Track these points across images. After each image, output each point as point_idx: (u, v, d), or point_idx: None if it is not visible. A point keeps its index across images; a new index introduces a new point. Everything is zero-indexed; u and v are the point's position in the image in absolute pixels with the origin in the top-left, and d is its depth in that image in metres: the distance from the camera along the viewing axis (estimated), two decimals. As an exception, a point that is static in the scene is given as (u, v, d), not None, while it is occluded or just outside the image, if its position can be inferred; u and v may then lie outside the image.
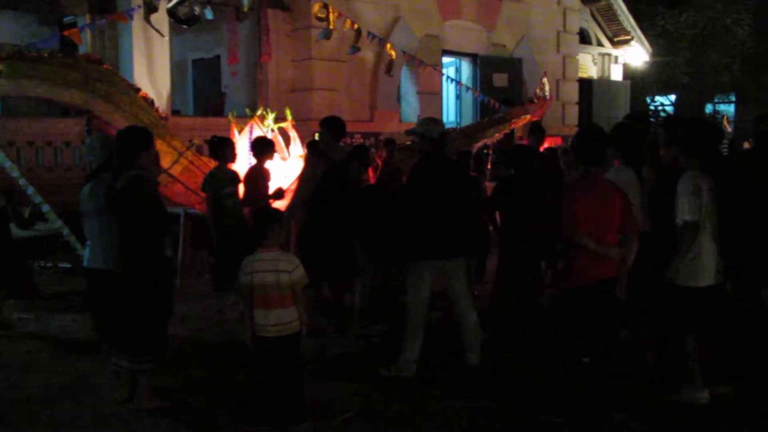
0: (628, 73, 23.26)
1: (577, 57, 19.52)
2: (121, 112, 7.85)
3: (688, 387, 5.20)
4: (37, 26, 15.22)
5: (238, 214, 7.44)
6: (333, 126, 7.09)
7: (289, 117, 9.73)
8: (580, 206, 4.83)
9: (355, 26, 11.90)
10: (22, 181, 7.56)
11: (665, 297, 5.14)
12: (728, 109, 31.33)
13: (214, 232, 7.38)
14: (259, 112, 9.53)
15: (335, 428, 4.91)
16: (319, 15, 11.67)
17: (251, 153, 7.96)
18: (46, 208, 7.66)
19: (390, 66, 12.78)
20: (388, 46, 12.66)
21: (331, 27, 11.66)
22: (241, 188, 7.62)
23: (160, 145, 8.00)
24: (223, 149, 7.52)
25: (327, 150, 7.08)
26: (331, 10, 11.59)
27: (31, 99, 8.17)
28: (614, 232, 4.86)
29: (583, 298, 4.86)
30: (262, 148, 7.81)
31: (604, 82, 21.80)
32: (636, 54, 22.72)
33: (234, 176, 7.60)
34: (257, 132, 9.07)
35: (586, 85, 20.31)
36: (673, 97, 29.06)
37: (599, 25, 22.12)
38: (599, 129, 5.30)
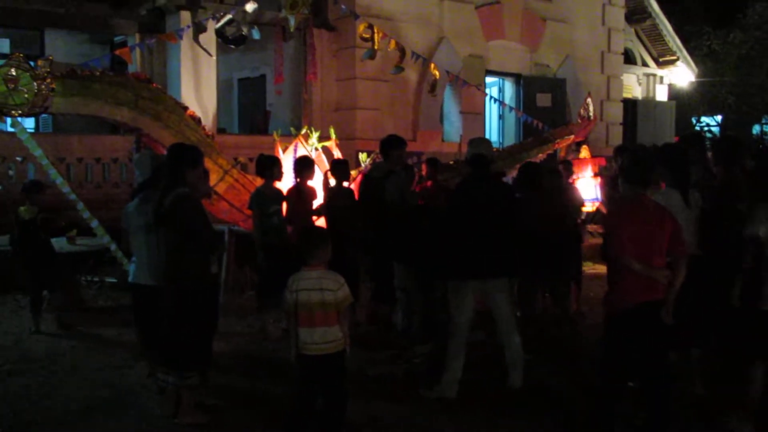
0: (674, 94, 23.02)
1: (622, 77, 19.36)
2: (169, 130, 7.95)
3: (734, 415, 5.11)
4: (89, 45, 15.57)
5: (283, 232, 7.55)
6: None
7: (333, 136, 9.78)
8: (625, 227, 4.78)
9: (399, 46, 11.96)
10: (72, 197, 7.70)
11: (744, 321, 5.06)
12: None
13: (261, 250, 7.44)
14: (303, 131, 9.61)
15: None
16: (364, 35, 11.74)
17: (294, 172, 8.02)
18: (94, 223, 7.78)
19: (433, 86, 12.79)
20: (432, 66, 12.68)
21: (375, 47, 11.73)
22: (284, 206, 7.70)
23: (206, 163, 8.10)
24: (270, 168, 7.59)
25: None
26: (376, 31, 11.67)
27: (82, 116, 8.31)
28: (662, 255, 4.80)
29: (628, 320, 4.80)
30: (304, 167, 7.89)
31: (649, 102, 21.59)
32: (682, 74, 22.48)
33: (279, 194, 7.68)
34: (302, 151, 9.14)
35: (630, 105, 20.13)
36: (719, 118, 28.67)
37: (644, 45, 21.95)
38: (649, 150, 5.27)
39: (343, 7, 12.87)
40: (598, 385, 4.99)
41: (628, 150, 7.14)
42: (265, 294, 7.48)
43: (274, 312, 7.54)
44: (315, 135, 9.52)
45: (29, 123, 13.56)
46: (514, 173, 11.47)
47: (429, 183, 8.79)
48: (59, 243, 8.62)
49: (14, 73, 6.88)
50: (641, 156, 5.14)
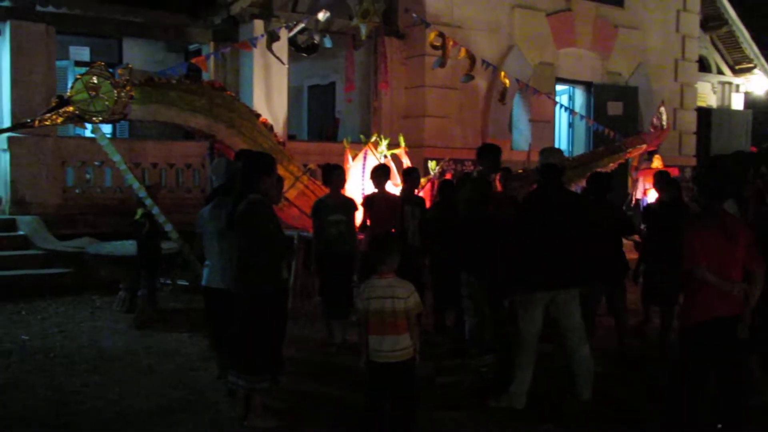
0: (750, 103, 22.41)
1: (696, 85, 18.94)
2: (242, 137, 8.09)
3: None
4: (164, 54, 15.94)
5: (343, 243, 7.43)
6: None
7: (402, 143, 9.82)
8: (700, 239, 4.70)
9: (469, 54, 11.94)
10: (147, 202, 7.90)
11: None
12: None
13: (315, 259, 7.62)
14: (372, 139, 9.67)
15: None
16: (434, 43, 11.77)
17: (372, 180, 8.06)
18: (168, 227, 7.97)
19: (503, 94, 12.74)
20: (502, 74, 12.64)
21: (446, 55, 11.74)
22: (358, 215, 7.73)
23: (278, 170, 8.22)
24: (330, 175, 7.58)
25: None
26: (446, 39, 11.68)
27: (158, 123, 8.53)
28: (738, 268, 4.70)
29: (704, 334, 4.71)
30: (379, 175, 7.94)
31: (724, 111, 21.07)
32: (759, 82, 21.89)
33: (345, 203, 7.60)
34: (371, 158, 9.19)
35: (704, 114, 19.66)
36: (798, 128, 27.82)
37: (720, 53, 21.46)
38: (725, 162, 5.17)
39: (414, 15, 12.94)
40: (673, 398, 4.90)
41: (707, 161, 7.05)
42: (326, 303, 7.56)
43: (340, 320, 7.56)
44: (384, 142, 9.56)
45: (106, 129, 13.92)
46: (582, 183, 11.35)
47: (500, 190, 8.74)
48: (130, 246, 8.88)
49: (96, 81, 7.09)
50: (718, 166, 5.03)
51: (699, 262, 4.66)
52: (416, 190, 8.51)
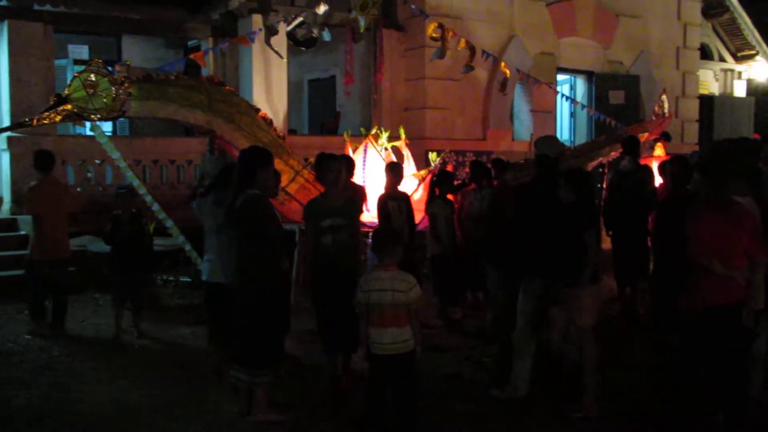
0: (753, 90, 22.31)
1: (698, 73, 18.85)
2: (241, 132, 8.06)
3: None
4: (164, 50, 15.91)
5: (338, 254, 5.80)
6: None
7: (403, 136, 9.78)
8: (702, 226, 4.66)
9: (469, 45, 11.89)
10: (148, 198, 7.90)
11: None
12: None
13: (311, 272, 6.06)
14: (373, 131, 9.63)
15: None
16: (433, 35, 11.72)
17: (387, 176, 7.99)
18: (169, 223, 7.96)
19: (504, 84, 12.69)
20: (502, 64, 12.59)
21: (445, 46, 11.69)
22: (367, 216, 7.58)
23: (277, 164, 8.18)
24: (320, 170, 6.07)
25: None
26: (445, 30, 11.63)
27: (158, 119, 8.51)
28: (741, 255, 4.65)
29: (706, 322, 4.67)
30: (392, 173, 7.89)
31: (727, 98, 20.97)
32: (761, 69, 21.77)
33: (345, 203, 6.00)
34: (371, 151, 9.16)
35: (707, 102, 19.57)
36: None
37: (721, 40, 21.34)
38: (728, 147, 5.12)
39: (413, 6, 12.88)
40: (675, 386, 4.88)
41: (710, 144, 7.01)
42: (324, 337, 6.05)
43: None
44: (385, 135, 9.53)
45: (107, 126, 13.93)
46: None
47: (495, 183, 8.73)
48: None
49: (93, 79, 7.06)
50: (722, 151, 4.97)
51: (702, 249, 4.63)
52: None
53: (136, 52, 15.21)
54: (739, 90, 21.85)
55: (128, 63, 7.60)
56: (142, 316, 7.92)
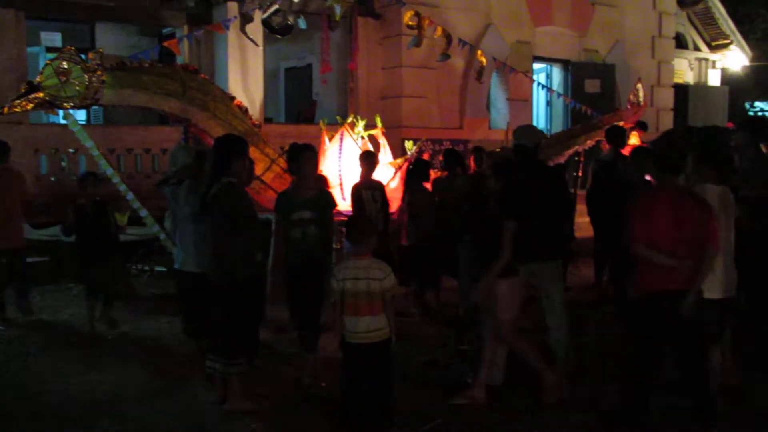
0: (727, 79, 22.50)
1: (673, 62, 18.99)
2: (216, 120, 8.00)
3: None
4: (138, 38, 15.75)
5: (309, 248, 5.62)
6: None
7: (379, 124, 9.76)
8: (643, 214, 4.68)
9: (446, 33, 11.88)
10: (122, 188, 7.81)
11: None
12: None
13: (280, 271, 5.92)
14: (349, 120, 9.60)
15: (423, 435, 4.92)
16: (410, 23, 11.71)
17: (360, 166, 7.96)
18: (144, 213, 7.88)
19: (480, 73, 12.71)
20: (479, 52, 12.60)
21: (421, 35, 11.67)
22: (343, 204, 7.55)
23: (253, 152, 8.14)
24: (293, 161, 5.89)
25: None
26: (422, 18, 11.61)
27: (132, 107, 8.43)
28: (689, 245, 4.65)
29: (652, 305, 4.69)
30: (365, 161, 7.88)
31: (701, 87, 21.15)
32: (735, 58, 21.98)
33: (317, 197, 5.80)
34: (348, 139, 9.13)
35: (681, 90, 19.74)
36: (774, 103, 27.99)
37: (696, 30, 21.50)
38: (679, 136, 5.13)
39: (389, -6, 12.85)
40: (630, 373, 4.92)
41: (664, 133, 7.01)
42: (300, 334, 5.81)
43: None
44: (361, 123, 9.50)
45: (81, 115, 13.79)
46: (561, 160, 11.38)
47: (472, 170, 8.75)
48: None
49: (66, 66, 6.97)
50: (674, 140, 4.98)
51: (638, 238, 4.66)
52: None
53: (109, 39, 15.03)
54: (714, 79, 22.04)
55: (101, 50, 7.49)
56: (112, 308, 7.77)
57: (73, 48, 7.15)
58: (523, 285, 5.60)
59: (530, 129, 6.31)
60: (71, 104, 7.08)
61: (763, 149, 6.21)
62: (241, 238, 5.19)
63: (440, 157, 10.44)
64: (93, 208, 7.60)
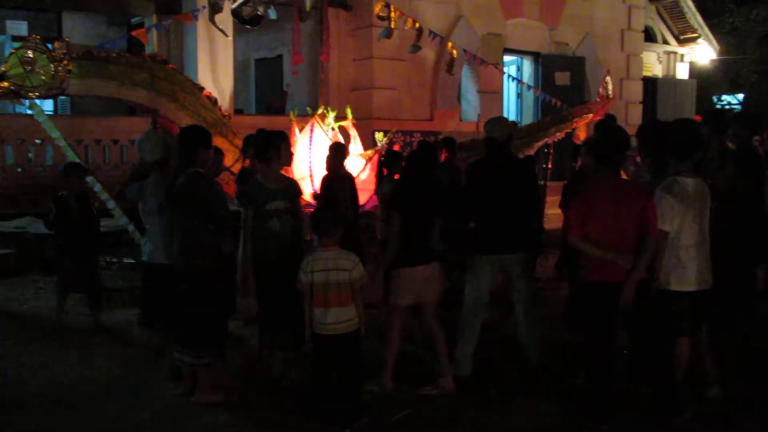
0: (695, 72, 22.74)
1: (642, 55, 19.15)
2: (185, 111, 7.98)
3: None
4: (106, 27, 15.60)
5: (288, 238, 5.54)
6: None
7: (350, 116, 9.76)
8: (582, 207, 4.74)
9: (417, 25, 11.88)
10: (89, 179, 7.75)
11: None
12: (799, 108, 30.41)
13: (250, 267, 5.60)
14: (320, 111, 9.59)
15: (392, 426, 4.93)
16: (380, 14, 11.69)
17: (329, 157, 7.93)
18: (112, 204, 7.84)
19: (451, 65, 12.73)
20: (450, 44, 12.61)
21: (392, 26, 11.67)
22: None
23: (222, 144, 8.11)
24: (272, 146, 5.64)
25: None
26: (392, 9, 11.60)
27: (99, 98, 8.34)
28: (628, 237, 4.68)
29: (600, 293, 4.75)
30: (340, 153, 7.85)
31: (670, 80, 21.36)
32: (703, 52, 22.20)
33: (288, 187, 5.71)
34: (318, 131, 9.12)
35: (650, 83, 19.93)
36: (741, 96, 28.34)
37: (665, 23, 21.68)
38: (620, 131, 5.20)
39: (359, -15, 12.82)
40: (588, 356, 4.97)
41: (605, 126, 7.03)
42: (266, 326, 5.74)
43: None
44: (332, 115, 9.50)
45: (48, 105, 13.63)
46: (531, 152, 11.44)
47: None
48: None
49: (31, 55, 6.91)
50: (614, 133, 5.01)
51: (575, 231, 4.71)
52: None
53: (77, 28, 14.89)
54: (682, 72, 22.25)
55: (68, 39, 7.43)
56: (101, 305, 7.47)
57: (39, 37, 7.09)
58: (436, 276, 5.53)
59: (501, 121, 6.32)
60: (37, 94, 7.04)
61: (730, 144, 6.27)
62: (208, 230, 5.13)
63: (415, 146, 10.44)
64: (76, 200, 7.24)
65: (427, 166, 5.62)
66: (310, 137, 9.09)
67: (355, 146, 9.73)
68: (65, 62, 7.04)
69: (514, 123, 6.93)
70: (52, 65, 6.97)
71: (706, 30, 21.73)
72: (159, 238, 5.68)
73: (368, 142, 10.45)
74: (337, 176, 7.71)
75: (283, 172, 5.86)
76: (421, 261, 5.36)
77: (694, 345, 5.20)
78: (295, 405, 5.19)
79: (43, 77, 6.94)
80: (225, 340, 5.56)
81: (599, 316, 4.78)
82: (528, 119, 16.37)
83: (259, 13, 11.44)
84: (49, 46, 7.20)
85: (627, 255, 4.67)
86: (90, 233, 7.34)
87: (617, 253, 4.66)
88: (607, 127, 6.37)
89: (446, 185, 6.69)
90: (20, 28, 14.46)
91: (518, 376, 5.79)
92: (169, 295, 5.39)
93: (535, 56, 16.66)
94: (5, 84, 6.85)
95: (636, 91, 18.77)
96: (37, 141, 11.25)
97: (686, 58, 22.37)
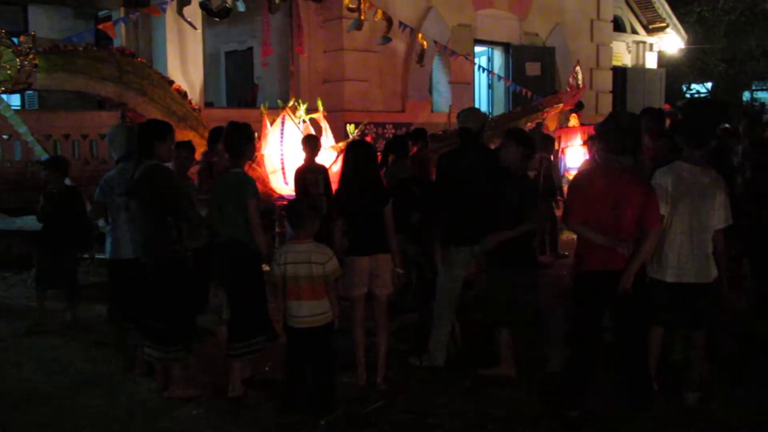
0: (663, 61, 22.95)
1: (611, 45, 19.29)
2: (154, 105, 7.91)
3: None
4: (73, 20, 15.42)
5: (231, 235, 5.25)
6: None
7: (321, 108, 9.73)
8: (583, 194, 4.73)
9: (387, 16, 11.87)
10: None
11: None
12: (766, 96, 30.78)
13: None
14: (290, 104, 9.54)
15: (365, 417, 4.94)
16: (350, 6, 11.66)
17: (304, 150, 7.92)
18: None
19: (421, 56, 12.73)
20: (420, 36, 12.61)
21: (362, 17, 11.64)
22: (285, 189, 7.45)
23: (193, 137, 8.06)
24: (247, 139, 5.47)
25: None
26: (362, 1, 11.57)
27: (67, 92, 8.25)
28: (628, 225, 4.66)
29: (594, 283, 4.75)
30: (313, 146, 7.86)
31: (639, 70, 21.53)
32: (671, 41, 22.40)
33: (234, 180, 5.27)
34: (289, 123, 9.08)
35: (620, 73, 20.08)
36: (709, 85, 28.66)
37: (634, 13, 21.84)
38: (627, 116, 5.17)
39: (329, -24, 12.77)
40: (570, 348, 4.98)
41: (610, 115, 7.04)
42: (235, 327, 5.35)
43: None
44: (303, 107, 9.45)
45: (15, 100, 13.45)
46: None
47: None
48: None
49: (-4, 50, 6.81)
50: (622, 122, 5.00)
51: (574, 217, 4.72)
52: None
53: (43, 22, 14.71)
54: (651, 62, 22.44)
55: (33, 33, 7.32)
56: (77, 303, 7.44)
57: (3, 31, 6.98)
58: (385, 267, 5.52)
59: (475, 112, 6.32)
60: (2, 89, 6.94)
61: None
62: (169, 222, 5.08)
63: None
64: (65, 194, 7.15)
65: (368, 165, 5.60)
66: (282, 130, 9.03)
67: (327, 139, 9.70)
68: (31, 56, 6.94)
69: (484, 114, 6.93)
70: (17, 59, 6.88)
71: (674, 19, 21.92)
72: (125, 232, 5.61)
73: (340, 135, 10.43)
74: (310, 169, 7.70)
75: (254, 165, 5.85)
76: (366, 252, 5.36)
77: (688, 347, 5.25)
78: (270, 398, 5.18)
79: (8, 72, 6.84)
80: (194, 334, 5.52)
81: (591, 305, 4.79)
82: (499, 110, 16.45)
83: (227, 5, 11.39)
84: (15, 40, 7.10)
85: (628, 242, 4.63)
86: (76, 228, 7.24)
87: (617, 240, 4.63)
88: (610, 115, 6.28)
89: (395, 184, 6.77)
90: (-15, 22, 14.26)
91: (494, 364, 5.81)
92: (136, 290, 5.35)
93: (506, 47, 16.72)
94: (-30, 79, 6.75)
95: (606, 80, 18.91)
96: (4, 136, 11.10)
97: (655, 48, 22.56)
